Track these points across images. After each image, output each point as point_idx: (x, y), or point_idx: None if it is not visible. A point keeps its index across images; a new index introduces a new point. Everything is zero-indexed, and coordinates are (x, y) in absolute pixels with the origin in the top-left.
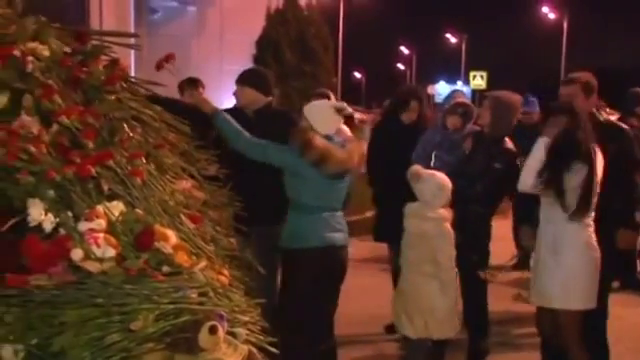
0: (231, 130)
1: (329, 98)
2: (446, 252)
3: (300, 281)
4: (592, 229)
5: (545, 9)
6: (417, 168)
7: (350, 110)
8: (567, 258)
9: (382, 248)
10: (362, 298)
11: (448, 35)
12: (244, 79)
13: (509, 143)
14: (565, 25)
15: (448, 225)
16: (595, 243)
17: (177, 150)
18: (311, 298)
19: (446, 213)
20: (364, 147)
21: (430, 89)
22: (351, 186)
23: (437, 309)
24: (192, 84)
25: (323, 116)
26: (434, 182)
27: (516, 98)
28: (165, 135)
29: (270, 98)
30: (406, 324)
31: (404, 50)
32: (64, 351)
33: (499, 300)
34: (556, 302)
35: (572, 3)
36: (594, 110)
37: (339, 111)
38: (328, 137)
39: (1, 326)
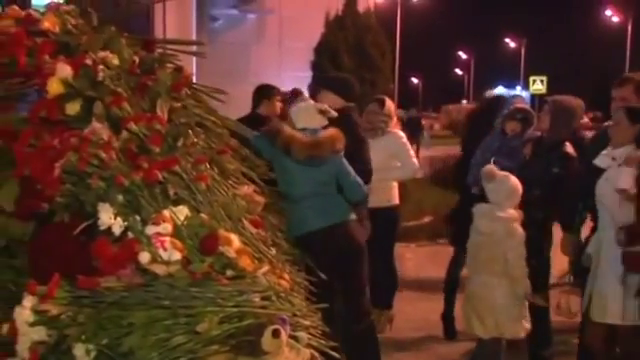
0: None
1: (384, 103)
2: (516, 251)
3: (315, 264)
4: None
5: (608, 12)
6: (492, 168)
7: (333, 113)
8: None
9: (440, 252)
10: (420, 302)
11: (507, 40)
12: (325, 82)
13: (569, 147)
14: (630, 28)
15: (518, 225)
16: None
17: (238, 155)
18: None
19: (516, 214)
20: (336, 135)
21: (488, 94)
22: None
23: (508, 307)
24: (269, 92)
25: (302, 113)
26: (509, 183)
27: (577, 102)
28: (227, 141)
29: (351, 105)
30: (477, 324)
31: (462, 55)
32: (132, 351)
33: None
34: (621, 318)
35: (637, 5)
36: None
37: (323, 112)
38: (303, 129)
39: (74, 326)
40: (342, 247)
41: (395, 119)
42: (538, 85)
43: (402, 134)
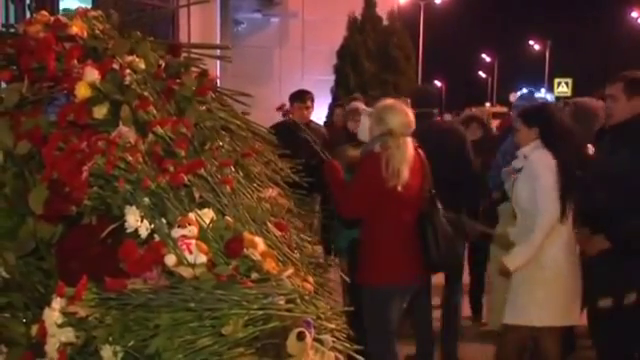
0: None
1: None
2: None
3: None
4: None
5: (634, 14)
6: (512, 168)
7: None
8: (550, 271)
9: None
10: None
11: (531, 42)
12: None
13: (591, 149)
14: None
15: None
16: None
17: (263, 158)
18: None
19: None
20: None
21: (512, 97)
22: None
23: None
24: (296, 97)
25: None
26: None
27: (599, 105)
28: (251, 144)
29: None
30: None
31: (486, 58)
32: (159, 353)
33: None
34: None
35: None
36: None
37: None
38: None
39: (101, 327)
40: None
41: None
42: (563, 87)
43: None
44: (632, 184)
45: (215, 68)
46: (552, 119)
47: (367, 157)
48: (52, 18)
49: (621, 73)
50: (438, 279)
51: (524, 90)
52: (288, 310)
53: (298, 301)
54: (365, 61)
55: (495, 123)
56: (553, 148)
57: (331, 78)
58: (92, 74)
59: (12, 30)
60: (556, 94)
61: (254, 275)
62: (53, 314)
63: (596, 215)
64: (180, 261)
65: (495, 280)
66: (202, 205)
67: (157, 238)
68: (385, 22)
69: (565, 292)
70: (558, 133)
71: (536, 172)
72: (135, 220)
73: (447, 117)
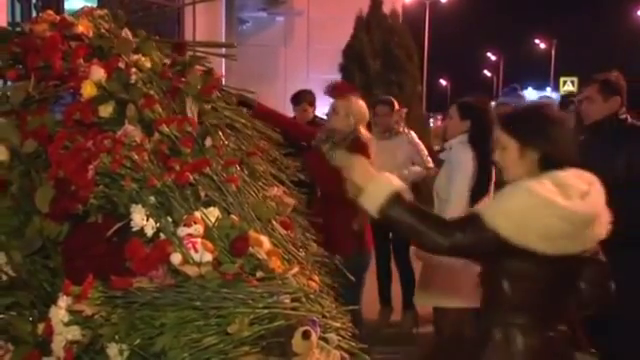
0: None
1: (393, 105)
2: None
3: None
4: None
5: None
6: None
7: None
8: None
9: None
10: None
11: (537, 40)
12: None
13: None
14: None
15: None
16: None
17: (268, 157)
18: None
19: None
20: None
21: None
22: None
23: None
24: (296, 98)
25: None
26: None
27: None
28: (257, 142)
29: None
30: None
31: (491, 56)
32: (164, 352)
33: None
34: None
35: None
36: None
37: None
38: None
39: (107, 326)
40: None
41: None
42: (569, 86)
43: (414, 135)
44: (607, 182)
45: (220, 67)
46: (485, 116)
47: (361, 145)
48: (58, 17)
49: (594, 75)
50: None
51: (530, 89)
52: (293, 309)
53: (303, 300)
54: (370, 60)
55: None
56: (476, 145)
57: (337, 77)
58: (98, 73)
59: (18, 29)
60: (562, 93)
61: (259, 274)
62: (59, 312)
63: None
64: (186, 260)
65: None
66: (208, 204)
67: (163, 237)
68: (389, 21)
69: (468, 278)
70: (486, 132)
71: (454, 164)
72: (141, 219)
73: None
